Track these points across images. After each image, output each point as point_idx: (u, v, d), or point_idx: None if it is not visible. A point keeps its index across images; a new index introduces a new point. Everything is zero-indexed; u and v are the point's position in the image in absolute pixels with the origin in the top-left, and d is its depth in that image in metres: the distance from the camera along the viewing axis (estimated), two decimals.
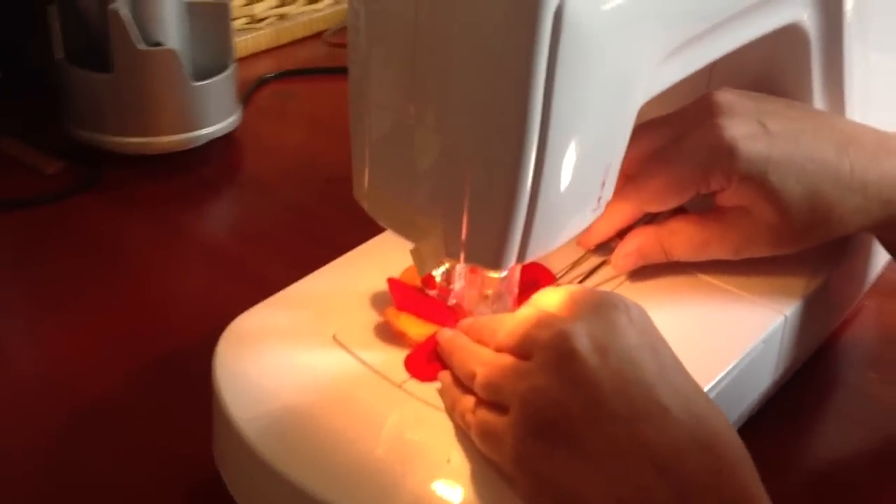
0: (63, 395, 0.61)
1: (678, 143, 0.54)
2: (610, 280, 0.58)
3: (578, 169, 0.45)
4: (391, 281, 0.55)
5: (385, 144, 0.46)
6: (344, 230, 0.79)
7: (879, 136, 0.55)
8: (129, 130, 0.82)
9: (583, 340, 0.43)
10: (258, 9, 1.05)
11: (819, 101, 0.60)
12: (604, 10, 0.41)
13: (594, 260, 0.59)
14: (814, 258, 0.59)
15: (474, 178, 0.43)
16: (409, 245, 0.59)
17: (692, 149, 0.53)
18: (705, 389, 0.50)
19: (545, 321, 0.46)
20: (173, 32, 0.83)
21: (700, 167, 0.53)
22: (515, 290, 0.54)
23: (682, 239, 0.56)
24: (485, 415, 0.46)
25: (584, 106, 0.43)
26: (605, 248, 0.59)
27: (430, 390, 0.51)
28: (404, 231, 0.48)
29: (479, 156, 0.43)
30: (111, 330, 0.67)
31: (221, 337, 0.54)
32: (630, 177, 0.55)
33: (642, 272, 0.58)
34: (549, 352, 0.44)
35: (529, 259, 0.46)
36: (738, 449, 0.43)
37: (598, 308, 0.46)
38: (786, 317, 0.56)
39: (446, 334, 0.51)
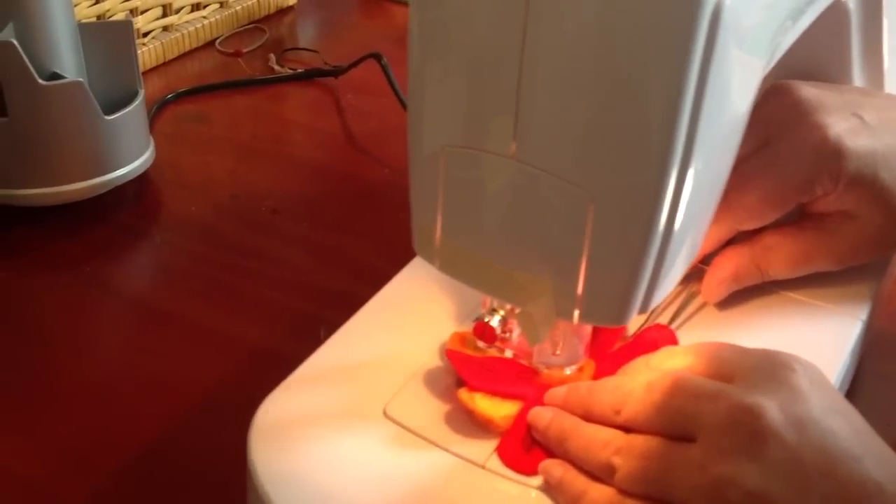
0: None
1: (770, 149, 0.48)
2: (699, 311, 0.52)
3: (707, 196, 0.38)
4: (452, 354, 0.46)
5: (468, 189, 0.38)
6: (303, 269, 0.70)
7: None
8: (32, 181, 0.69)
9: (775, 414, 0.36)
10: (140, 22, 0.92)
11: (858, 80, 0.55)
12: (753, 9, 0.34)
13: (674, 291, 0.52)
14: None
15: (598, 222, 0.36)
16: (426, 296, 0.52)
17: (792, 154, 0.47)
18: None
19: (707, 391, 0.38)
20: (70, 61, 0.71)
21: (804, 173, 0.47)
22: (587, 333, 0.47)
23: (779, 255, 0.50)
24: None
25: (723, 121, 0.36)
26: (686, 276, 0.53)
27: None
28: (495, 290, 0.40)
29: (607, 194, 0.35)
30: (57, 433, 0.55)
31: (251, 431, 0.44)
32: None
33: None
34: (731, 433, 0.36)
35: (652, 307, 0.39)
36: None
37: (773, 370, 0.39)
38: (862, 321, 0.52)
39: (544, 415, 0.43)
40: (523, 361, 0.47)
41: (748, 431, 0.36)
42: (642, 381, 0.41)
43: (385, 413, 0.45)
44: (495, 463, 0.43)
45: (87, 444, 0.55)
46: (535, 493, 0.42)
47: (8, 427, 0.55)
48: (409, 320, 0.50)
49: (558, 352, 0.47)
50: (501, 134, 0.35)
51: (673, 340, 0.48)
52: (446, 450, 0.43)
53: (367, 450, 0.44)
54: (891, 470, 0.36)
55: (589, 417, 0.42)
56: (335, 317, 0.52)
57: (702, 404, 0.38)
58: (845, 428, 0.37)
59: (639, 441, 0.39)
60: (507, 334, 0.47)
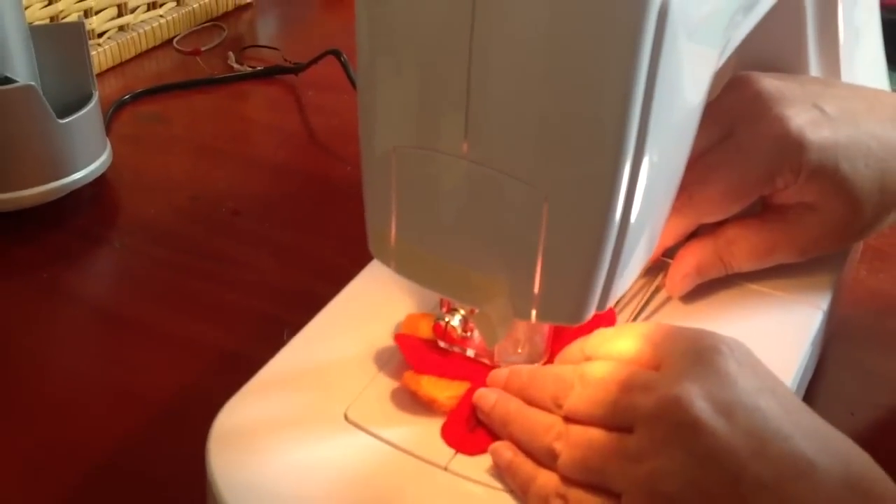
0: None
1: (732, 142, 0.48)
2: (664, 305, 0.51)
3: (663, 189, 0.38)
4: (400, 338, 0.46)
5: (421, 190, 0.37)
6: (266, 270, 0.69)
7: None
8: None
9: (700, 404, 0.36)
10: (95, 22, 0.91)
11: (815, 69, 0.55)
12: (700, 9, 0.34)
13: (638, 284, 0.52)
14: None
15: (553, 220, 0.35)
16: (387, 295, 0.51)
17: (754, 146, 0.47)
18: None
19: (638, 383, 0.39)
20: (21, 64, 0.70)
21: (766, 166, 0.47)
22: (546, 329, 0.47)
23: (742, 248, 0.50)
24: (586, 501, 0.38)
25: (675, 117, 0.36)
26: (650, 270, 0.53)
27: (482, 467, 0.43)
28: (452, 291, 0.39)
29: (562, 193, 0.35)
30: (17, 444, 0.54)
31: (210, 439, 0.44)
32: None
33: None
34: (661, 425, 0.37)
35: (609, 305, 0.39)
36: (886, 482, 0.37)
37: (699, 355, 0.39)
38: (823, 311, 0.51)
39: (489, 397, 0.43)
40: (485, 360, 0.47)
41: (677, 423, 0.36)
42: (579, 372, 0.41)
43: (346, 417, 0.45)
44: (458, 465, 0.43)
45: (48, 456, 0.54)
46: (503, 497, 0.41)
47: None
48: (370, 320, 0.50)
49: (520, 350, 0.47)
50: (453, 133, 0.35)
51: (611, 320, 0.48)
52: (409, 452, 0.43)
53: (328, 456, 0.43)
54: (822, 444, 0.36)
55: (531, 404, 0.42)
56: (299, 318, 0.51)
57: (634, 397, 0.38)
58: (774, 407, 0.37)
59: (578, 430, 0.39)
60: (469, 333, 0.46)
